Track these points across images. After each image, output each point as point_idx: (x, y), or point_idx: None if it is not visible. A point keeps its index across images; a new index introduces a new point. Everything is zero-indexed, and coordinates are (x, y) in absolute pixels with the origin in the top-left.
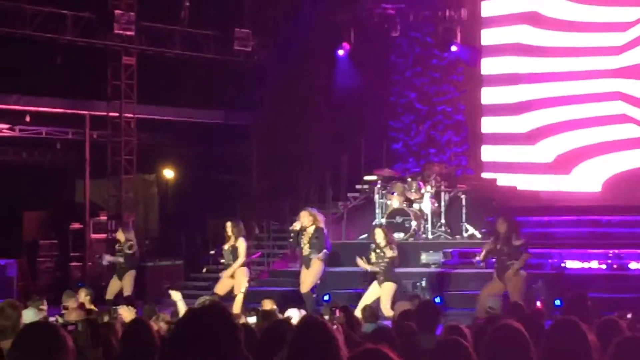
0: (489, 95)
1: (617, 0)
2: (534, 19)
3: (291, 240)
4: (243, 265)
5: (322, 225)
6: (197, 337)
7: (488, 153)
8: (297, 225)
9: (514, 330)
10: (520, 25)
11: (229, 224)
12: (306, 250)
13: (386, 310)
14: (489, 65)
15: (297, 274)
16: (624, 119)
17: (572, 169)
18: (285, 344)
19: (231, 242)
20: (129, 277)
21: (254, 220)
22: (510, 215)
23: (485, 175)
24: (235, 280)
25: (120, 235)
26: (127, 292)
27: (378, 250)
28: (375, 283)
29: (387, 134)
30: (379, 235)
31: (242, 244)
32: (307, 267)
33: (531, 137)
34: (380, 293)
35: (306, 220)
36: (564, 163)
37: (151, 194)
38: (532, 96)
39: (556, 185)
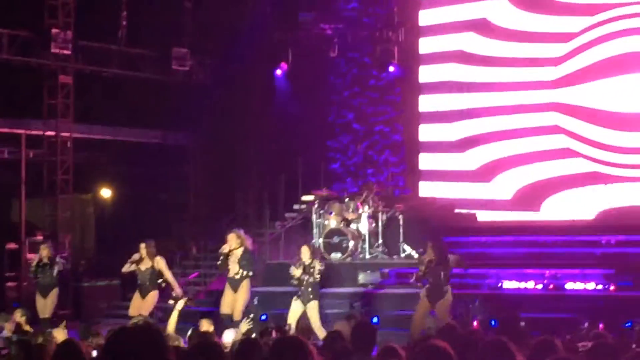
0: (426, 103)
1: (566, 9)
2: (480, 26)
3: (219, 263)
4: (156, 288)
5: (249, 246)
6: (126, 356)
7: (425, 161)
8: (226, 248)
9: (439, 349)
10: (464, 32)
11: (143, 245)
12: (233, 272)
13: (320, 330)
14: (426, 73)
15: None
16: (555, 129)
17: (493, 178)
18: None
19: (146, 263)
20: (54, 296)
21: (192, 240)
22: (439, 241)
23: (422, 184)
24: (145, 302)
25: (44, 252)
26: (48, 313)
27: (307, 268)
28: (297, 301)
29: (324, 154)
30: (305, 254)
31: (161, 262)
32: (235, 290)
33: (460, 145)
34: (302, 311)
35: (234, 243)
36: (487, 171)
37: (88, 214)
38: (468, 105)
39: (475, 193)
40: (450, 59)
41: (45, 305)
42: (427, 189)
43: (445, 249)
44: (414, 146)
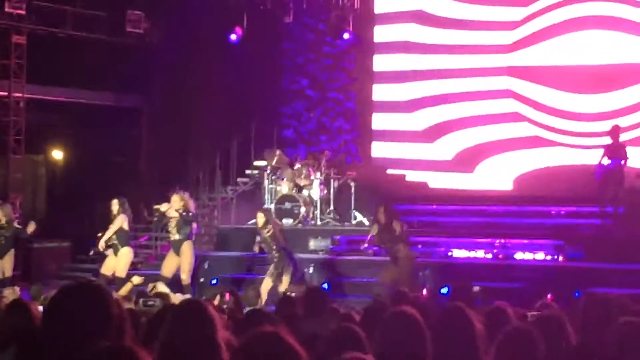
0: (380, 93)
1: (502, 0)
2: (420, 17)
3: (155, 220)
4: (127, 244)
5: (192, 210)
6: (69, 311)
7: (379, 149)
8: (163, 207)
9: (410, 316)
10: (409, 23)
11: (115, 202)
12: (174, 234)
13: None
14: (380, 63)
15: None
16: (516, 117)
17: (475, 167)
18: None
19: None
20: (11, 256)
21: (143, 204)
22: (388, 204)
23: (375, 144)
24: (118, 260)
25: (3, 212)
26: (9, 272)
27: (269, 233)
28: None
29: (278, 120)
30: (260, 219)
31: (118, 220)
32: (177, 252)
33: (409, 106)
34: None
35: (176, 205)
36: (466, 160)
37: (39, 175)
38: (425, 94)
39: (461, 183)
40: (400, 48)
41: (3, 266)
42: (378, 149)
43: (395, 212)
44: (367, 106)
